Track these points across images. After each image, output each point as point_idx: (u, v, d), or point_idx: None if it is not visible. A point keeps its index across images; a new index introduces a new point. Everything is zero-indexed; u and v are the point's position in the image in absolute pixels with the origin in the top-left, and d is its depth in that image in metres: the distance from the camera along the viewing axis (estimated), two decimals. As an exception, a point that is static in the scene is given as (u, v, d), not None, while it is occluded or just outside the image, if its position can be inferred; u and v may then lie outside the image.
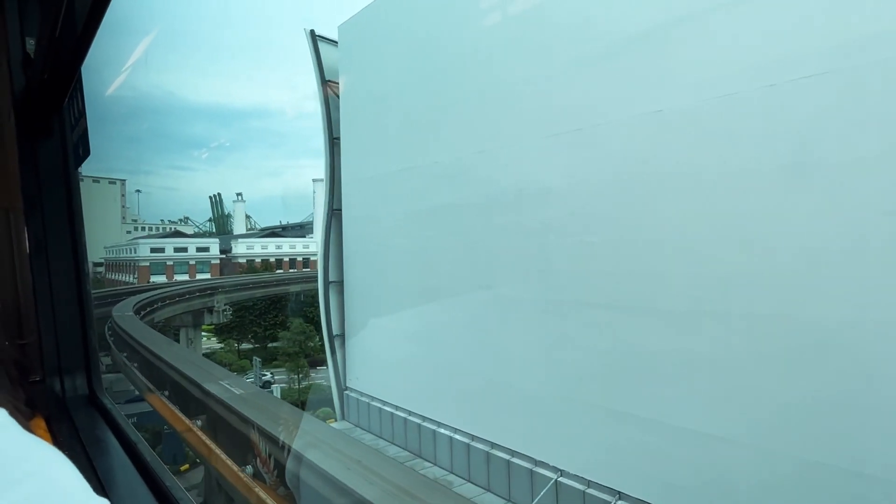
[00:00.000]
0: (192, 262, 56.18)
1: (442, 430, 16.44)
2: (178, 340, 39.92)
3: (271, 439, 15.89)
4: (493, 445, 14.81)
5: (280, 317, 48.12)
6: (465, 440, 15.60)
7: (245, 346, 48.42)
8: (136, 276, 52.57)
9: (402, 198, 18.11)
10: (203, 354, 40.32)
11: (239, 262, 61.59)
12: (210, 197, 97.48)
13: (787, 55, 9.28)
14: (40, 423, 2.43)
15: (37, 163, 3.33)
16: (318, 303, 21.80)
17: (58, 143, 3.41)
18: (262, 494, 14.08)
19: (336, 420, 21.29)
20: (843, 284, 8.78)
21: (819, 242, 9.01)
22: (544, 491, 13.09)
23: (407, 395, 17.96)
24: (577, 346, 12.68)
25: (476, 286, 15.20)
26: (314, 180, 75.22)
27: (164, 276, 53.37)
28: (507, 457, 14.35)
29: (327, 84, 20.99)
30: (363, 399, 19.90)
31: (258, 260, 62.87)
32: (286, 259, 65.29)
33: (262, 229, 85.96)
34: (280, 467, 15.11)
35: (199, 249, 58.79)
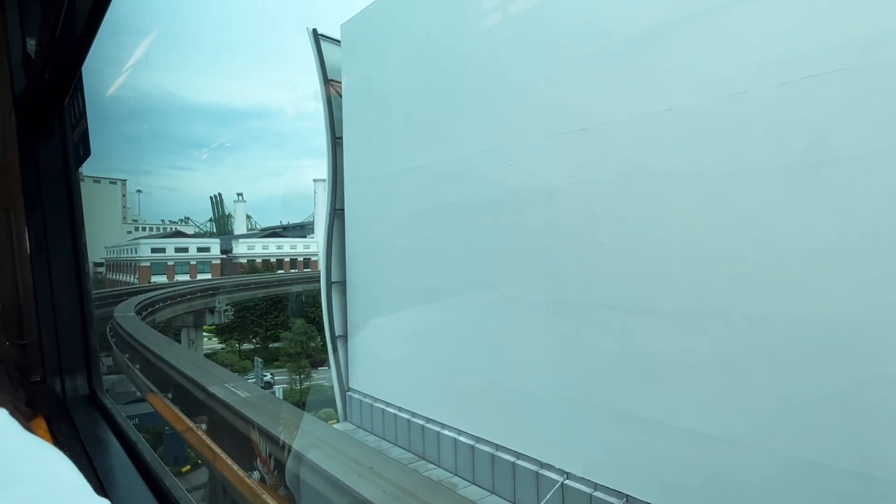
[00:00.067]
0: (192, 263, 56.23)
1: (446, 432, 16.28)
2: (179, 341, 39.91)
3: (281, 446, 15.74)
4: (498, 447, 14.64)
5: (281, 317, 48.16)
6: (470, 442, 15.44)
7: (246, 346, 48.43)
8: (137, 276, 52.62)
9: (406, 197, 17.92)
10: (204, 355, 40.32)
11: (240, 263, 61.64)
12: (211, 197, 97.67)
13: (800, 52, 9.12)
14: (41, 423, 2.43)
15: (37, 163, 3.34)
16: (319, 303, 21.71)
17: (58, 143, 3.42)
18: (270, 501, 14.03)
19: (338, 421, 21.18)
20: (858, 285, 8.63)
21: (834, 242, 8.86)
22: (551, 493, 12.96)
23: (410, 396, 17.80)
24: (583, 348, 12.53)
25: (481, 286, 15.09)
26: (315, 180, 75.37)
27: (165, 276, 53.42)
28: (512, 459, 14.19)
29: (329, 83, 20.93)
30: (366, 400, 19.74)
31: (259, 260, 62.92)
32: (287, 259, 65.36)
33: (263, 229, 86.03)
34: (290, 476, 15.01)
35: (199, 250, 58.85)
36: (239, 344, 48.00)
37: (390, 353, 18.84)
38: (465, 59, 15.65)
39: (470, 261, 15.51)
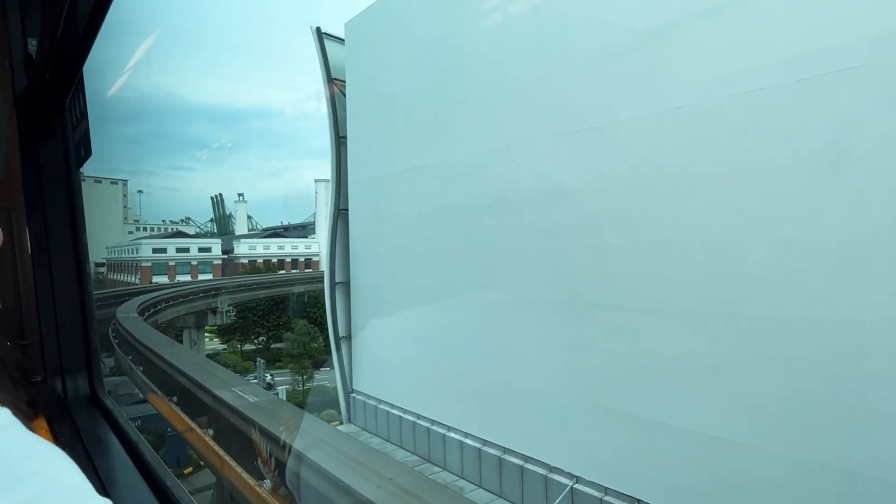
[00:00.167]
0: (194, 263, 56.27)
1: (452, 434, 16.11)
2: (181, 342, 39.90)
3: (298, 458, 15.53)
4: (506, 450, 14.47)
5: (283, 318, 48.17)
6: (477, 445, 15.26)
7: (248, 346, 48.44)
8: (138, 276, 52.66)
9: (411, 197, 17.78)
10: (206, 355, 40.31)
11: (241, 263, 61.68)
12: (212, 197, 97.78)
13: (819, 48, 8.91)
14: (42, 423, 2.43)
15: (38, 163, 3.34)
16: (320, 303, 21.64)
17: (59, 143, 3.42)
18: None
19: (342, 423, 21.07)
20: (879, 286, 8.44)
21: (853, 243, 8.65)
22: (560, 498, 12.78)
23: (415, 397, 17.64)
24: (593, 350, 12.35)
25: (487, 287, 14.93)
26: (316, 180, 75.59)
27: (166, 276, 53.45)
28: (520, 462, 14.02)
29: (333, 82, 20.88)
30: (370, 402, 19.60)
31: (260, 260, 62.97)
32: (288, 260, 65.41)
33: (264, 230, 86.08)
34: (300, 484, 14.86)
35: (201, 250, 58.89)
36: (241, 345, 47.99)
37: (395, 354, 18.68)
38: (472, 57, 15.51)
39: (476, 261, 15.37)
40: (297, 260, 66.24)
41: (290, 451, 15.25)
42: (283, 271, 61.87)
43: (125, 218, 73.28)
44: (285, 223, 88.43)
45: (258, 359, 40.11)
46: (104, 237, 57.50)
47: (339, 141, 20.76)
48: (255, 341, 48.99)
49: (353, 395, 20.51)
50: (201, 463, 21.49)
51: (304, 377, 39.55)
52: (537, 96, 13.53)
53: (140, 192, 78.97)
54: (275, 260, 63.89)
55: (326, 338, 21.40)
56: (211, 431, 19.58)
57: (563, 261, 12.94)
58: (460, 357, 15.81)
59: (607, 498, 12.03)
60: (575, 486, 12.66)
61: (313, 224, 77.24)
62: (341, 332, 20.60)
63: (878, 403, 8.38)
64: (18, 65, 3.19)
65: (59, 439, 2.63)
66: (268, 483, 15.65)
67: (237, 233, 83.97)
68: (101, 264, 55.75)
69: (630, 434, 11.63)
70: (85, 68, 2.79)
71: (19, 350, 3.32)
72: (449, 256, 16.32)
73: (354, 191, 20.51)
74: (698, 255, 10.52)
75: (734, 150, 9.95)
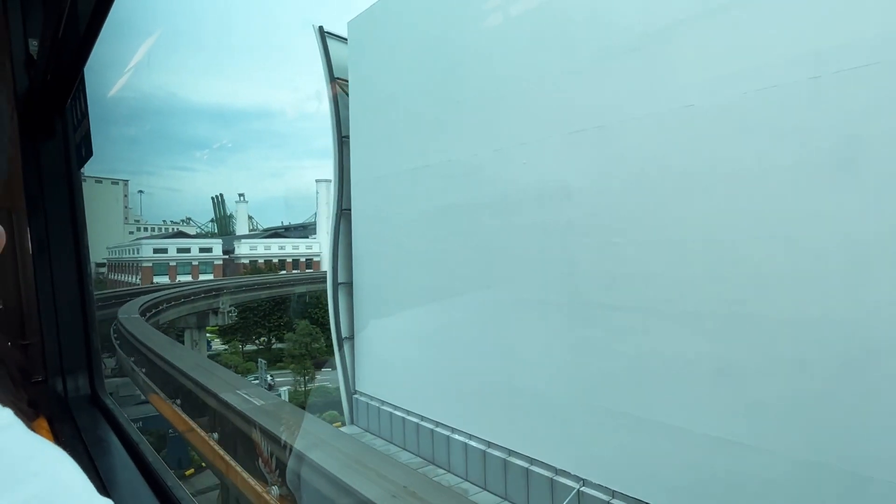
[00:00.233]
0: (195, 263, 56.30)
1: (456, 436, 15.95)
2: (182, 342, 39.89)
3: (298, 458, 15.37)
4: (511, 452, 14.30)
5: (284, 318, 48.15)
6: (482, 447, 15.08)
7: (249, 347, 48.44)
8: (139, 276, 52.69)
9: (415, 197, 17.65)
10: (208, 356, 40.30)
11: (242, 263, 61.71)
12: (212, 198, 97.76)
13: (831, 45, 8.73)
14: (42, 423, 2.43)
15: (39, 163, 3.34)
16: (322, 304, 21.53)
17: (60, 143, 3.42)
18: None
19: (344, 424, 20.92)
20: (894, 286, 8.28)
21: (868, 243, 8.48)
22: (566, 501, 12.60)
23: (419, 399, 17.47)
24: (601, 351, 12.18)
25: (491, 287, 14.80)
26: (317, 181, 75.58)
27: (167, 276, 53.48)
28: (525, 465, 13.85)
29: (335, 81, 20.83)
30: (373, 403, 19.45)
31: (261, 261, 63.00)
32: (289, 260, 65.44)
33: (265, 230, 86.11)
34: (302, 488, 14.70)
35: (202, 250, 58.93)
36: (242, 345, 47.99)
37: (398, 355, 18.54)
38: (475, 56, 15.40)
39: (480, 261, 15.26)
40: (298, 260, 66.27)
41: (302, 460, 15.06)
42: (283, 272, 61.87)
43: (126, 218, 73.34)
44: (286, 223, 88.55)
45: (259, 359, 40.07)
46: (105, 237, 57.56)
47: (342, 140, 20.63)
48: (257, 342, 48.99)
49: (355, 396, 20.37)
50: (203, 464, 21.44)
51: (306, 378, 39.50)
52: (542, 95, 13.41)
53: (141, 192, 79.05)
54: (275, 260, 63.90)
55: (328, 338, 21.28)
56: (216, 435, 19.45)
57: (567, 261, 12.81)
58: (464, 358, 15.68)
59: (614, 501, 11.88)
60: (582, 489, 12.51)
61: (314, 224, 77.26)
62: (344, 333, 20.46)
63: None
64: (19, 65, 3.19)
65: (59, 439, 2.64)
66: (276, 490, 15.49)
67: (238, 233, 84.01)
68: (102, 264, 55.80)
69: (637, 436, 11.49)
70: (86, 69, 2.79)
71: (20, 350, 3.32)
72: (452, 256, 16.20)
73: (357, 191, 20.40)
74: (706, 255, 10.39)
75: (744, 150, 9.80)
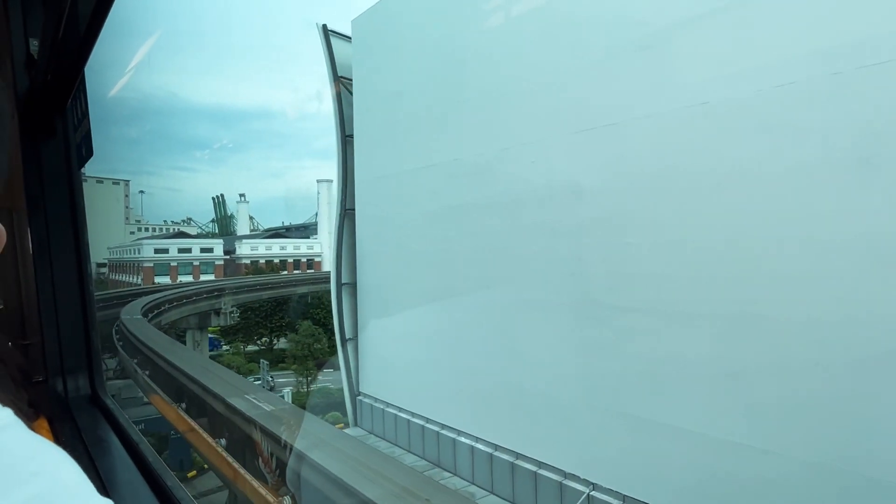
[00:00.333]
0: (196, 263, 56.32)
1: (462, 439, 15.77)
2: (184, 343, 39.87)
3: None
4: (518, 456, 14.13)
5: (286, 318, 48.12)
6: (488, 450, 14.90)
7: (251, 347, 48.41)
8: (140, 277, 52.73)
9: (420, 197, 17.50)
10: (216, 355, 40.28)
11: (244, 264, 61.75)
12: (213, 198, 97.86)
13: (855, 40, 8.52)
14: (43, 423, 2.43)
15: (40, 163, 3.34)
16: (323, 304, 21.38)
17: (61, 143, 3.42)
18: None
19: (348, 426, 20.74)
20: None
21: (888, 243, 8.31)
22: None
23: (424, 401, 17.30)
24: (611, 353, 11.98)
25: (500, 288, 14.61)
26: (318, 181, 75.66)
27: (168, 277, 53.50)
28: (533, 468, 13.67)
29: (339, 80, 20.63)
30: (377, 405, 19.32)
31: (262, 261, 63.03)
32: (290, 260, 65.46)
33: (266, 230, 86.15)
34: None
35: (203, 250, 58.95)
36: (244, 346, 47.98)
37: (403, 356, 18.37)
38: (482, 54, 15.26)
39: (488, 262, 15.11)
40: (300, 261, 66.30)
41: (326, 477, 14.76)
42: (284, 272, 61.88)
43: (127, 218, 73.41)
44: (287, 224, 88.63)
45: (262, 360, 40.01)
46: (106, 237, 57.57)
47: (346, 140, 20.51)
48: (258, 342, 48.98)
49: (359, 397, 20.24)
50: (205, 466, 21.38)
51: (309, 379, 39.43)
52: (550, 93, 13.25)
53: (142, 192, 79.12)
54: (276, 261, 63.93)
55: (330, 339, 21.15)
56: (223, 441, 19.25)
57: (577, 261, 12.64)
58: (470, 359, 15.53)
59: (625, 505, 11.71)
60: (591, 493, 12.33)
61: (315, 224, 77.29)
62: (347, 334, 20.35)
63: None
64: (20, 65, 3.19)
65: (59, 439, 2.63)
66: (288, 501, 15.28)
67: (239, 233, 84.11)
68: (103, 264, 55.82)
69: (648, 439, 11.31)
70: (86, 69, 2.79)
71: (20, 350, 3.32)
72: (458, 257, 16.07)
73: (361, 190, 20.26)
74: (721, 255, 10.21)
75: (761, 148, 9.61)
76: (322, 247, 67.54)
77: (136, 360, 26.75)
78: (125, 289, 47.57)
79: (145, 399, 23.91)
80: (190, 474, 22.72)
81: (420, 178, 17.42)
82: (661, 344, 11.14)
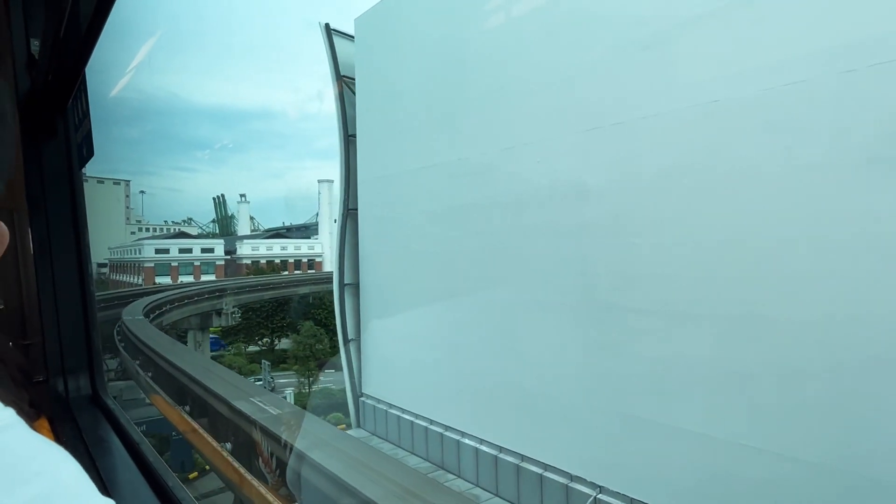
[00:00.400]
0: (197, 264, 56.35)
1: (466, 441, 15.67)
2: (185, 343, 39.86)
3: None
4: (524, 458, 14.00)
5: (287, 319, 48.14)
6: (493, 452, 14.80)
7: (252, 348, 48.42)
8: (141, 277, 52.77)
9: (423, 196, 17.43)
10: (212, 356, 40.22)
11: (245, 264, 61.80)
12: (214, 198, 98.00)
13: (869, 37, 8.37)
14: (44, 423, 2.43)
15: (41, 164, 3.34)
16: (325, 304, 21.29)
17: (62, 143, 3.42)
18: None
19: (350, 427, 20.65)
20: None
21: None
22: None
23: (428, 402, 17.20)
24: (619, 355, 11.85)
25: (504, 289, 14.50)
26: (319, 181, 75.73)
27: (169, 277, 53.54)
28: (539, 470, 13.55)
29: (342, 79, 20.52)
30: (380, 406, 19.22)
31: (263, 261, 63.09)
32: (291, 260, 65.52)
33: (267, 230, 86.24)
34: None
35: (203, 251, 58.99)
36: (245, 346, 47.99)
37: (406, 357, 18.27)
38: (486, 52, 15.15)
39: (492, 262, 15.03)
40: (300, 261, 66.36)
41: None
42: (285, 272, 61.93)
43: (128, 218, 73.49)
44: (287, 224, 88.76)
45: (263, 361, 40.00)
46: (106, 238, 57.66)
47: (348, 139, 20.43)
48: (259, 342, 49.00)
49: (362, 398, 20.14)
50: (206, 468, 21.30)
51: (311, 380, 39.40)
52: (555, 92, 13.14)
53: (142, 192, 79.23)
54: (277, 261, 64.00)
55: (331, 339, 21.05)
56: (229, 445, 19.11)
57: (584, 262, 12.53)
58: (474, 360, 15.42)
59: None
60: (598, 496, 12.23)
61: (316, 225, 77.37)
62: (350, 335, 20.27)
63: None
64: (21, 65, 3.19)
65: (60, 439, 2.63)
66: None
67: (240, 233, 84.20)
68: (104, 265, 55.89)
69: (657, 443, 11.18)
70: (87, 69, 2.79)
71: (21, 350, 3.33)
72: (462, 257, 15.96)
73: (364, 190, 20.16)
74: (730, 256, 10.08)
75: (773, 147, 9.47)
76: (323, 247, 67.66)
77: (138, 362, 26.68)
78: (127, 289, 47.56)
79: (147, 400, 23.83)
80: (191, 475, 22.70)
81: (423, 177, 17.33)
82: (667, 345, 11.05)
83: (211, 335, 45.12)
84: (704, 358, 10.43)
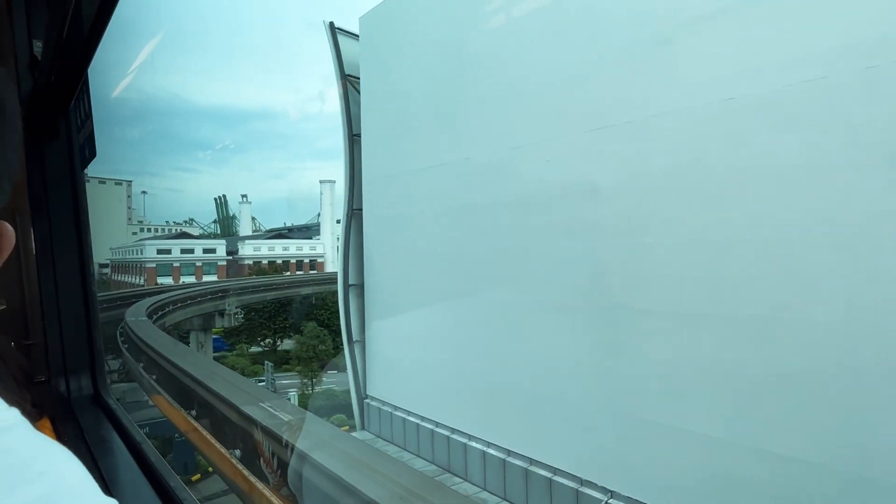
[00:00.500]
0: (198, 264, 56.38)
1: (473, 444, 15.42)
2: (188, 344, 39.86)
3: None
4: (532, 462, 13.77)
5: (290, 319, 48.15)
6: (501, 455, 14.54)
7: (254, 349, 48.45)
8: (143, 277, 52.79)
9: (429, 196, 17.15)
10: (214, 357, 40.24)
11: (247, 264, 61.82)
12: (215, 199, 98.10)
13: (891, 31, 8.13)
14: (45, 423, 2.43)
15: (43, 164, 3.35)
16: (328, 305, 21.20)
17: (64, 144, 3.43)
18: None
19: (355, 429, 20.37)
20: None
21: None
22: None
23: (434, 404, 16.97)
24: (631, 357, 11.65)
25: (513, 290, 14.32)
26: (321, 181, 75.77)
27: (171, 277, 53.56)
28: (548, 474, 13.31)
29: (346, 78, 20.32)
30: (385, 408, 18.97)
31: (265, 262, 63.11)
32: (293, 261, 65.55)
33: (269, 231, 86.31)
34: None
35: (205, 251, 59.02)
36: (247, 347, 48.00)
37: (412, 358, 18.07)
38: (493, 50, 14.98)
39: (500, 263, 14.86)
40: (302, 261, 66.39)
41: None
42: (287, 273, 61.96)
43: (129, 219, 73.55)
44: (289, 224, 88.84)
45: (266, 362, 39.98)
46: (108, 238, 57.63)
47: (353, 139, 20.27)
48: (262, 343, 49.01)
49: (366, 400, 19.96)
50: (210, 469, 21.23)
51: (314, 381, 39.38)
52: (565, 90, 12.92)
53: (144, 192, 79.27)
54: (279, 261, 64.03)
55: (335, 340, 20.93)
56: (238, 452, 18.94)
57: (594, 263, 12.34)
58: (481, 362, 15.24)
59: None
60: (609, 501, 12.06)
61: (318, 225, 77.42)
62: (355, 336, 20.09)
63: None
64: (23, 66, 3.20)
65: (62, 439, 2.64)
66: None
67: (241, 234, 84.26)
68: (105, 265, 55.91)
69: (669, 447, 10.97)
70: (90, 70, 2.81)
71: (23, 350, 3.33)
72: (469, 257, 15.78)
73: (368, 190, 19.99)
74: (746, 256, 9.86)
75: (791, 145, 9.25)
76: (325, 247, 67.71)
77: (141, 364, 26.60)
78: (129, 290, 47.58)
79: (151, 402, 23.76)
80: (194, 478, 22.64)
81: (429, 177, 17.13)
82: (680, 346, 10.86)
83: (214, 336, 45.11)
84: (725, 360, 10.19)
